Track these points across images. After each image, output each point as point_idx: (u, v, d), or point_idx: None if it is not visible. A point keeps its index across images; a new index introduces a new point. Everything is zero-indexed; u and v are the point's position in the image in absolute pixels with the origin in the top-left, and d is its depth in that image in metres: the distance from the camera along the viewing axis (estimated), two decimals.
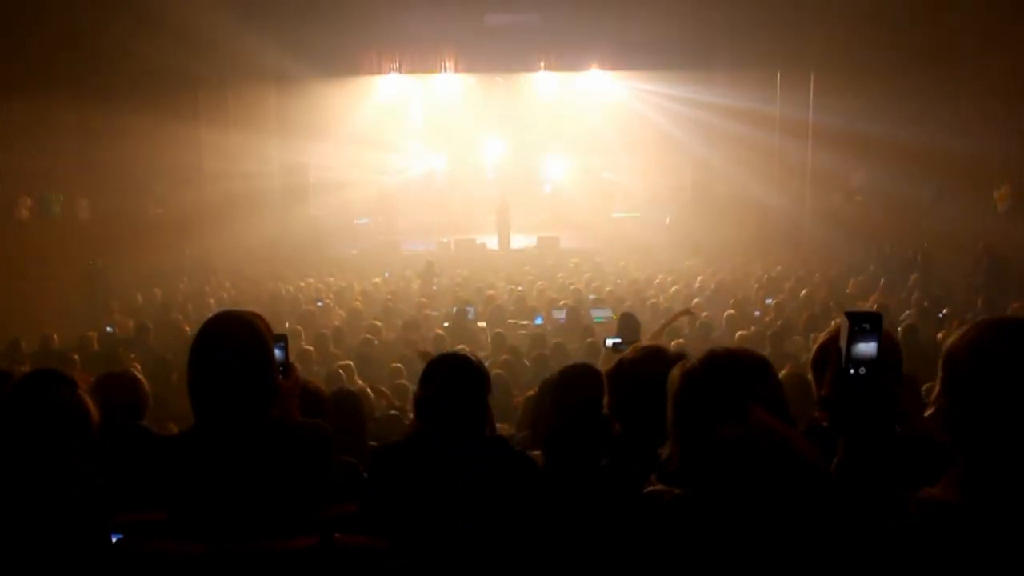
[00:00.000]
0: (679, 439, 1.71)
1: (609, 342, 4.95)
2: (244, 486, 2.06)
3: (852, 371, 1.70)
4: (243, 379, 2.09)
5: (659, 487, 1.71)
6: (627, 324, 6.88)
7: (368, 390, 5.64)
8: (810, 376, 2.23)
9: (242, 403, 2.10)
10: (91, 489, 2.09)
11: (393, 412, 5.30)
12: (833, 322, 2.40)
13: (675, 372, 1.76)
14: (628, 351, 2.42)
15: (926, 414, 1.50)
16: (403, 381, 6.31)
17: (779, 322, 8.61)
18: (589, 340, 8.07)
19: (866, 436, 1.69)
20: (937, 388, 1.45)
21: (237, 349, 2.10)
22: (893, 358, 2.01)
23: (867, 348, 1.70)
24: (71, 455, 2.10)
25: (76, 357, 7.51)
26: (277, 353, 2.25)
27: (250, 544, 1.99)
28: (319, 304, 11.00)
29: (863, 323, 1.71)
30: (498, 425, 5.10)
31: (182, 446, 2.16)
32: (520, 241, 18.15)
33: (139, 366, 6.99)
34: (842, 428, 1.72)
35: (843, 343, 1.72)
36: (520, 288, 12.04)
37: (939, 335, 7.27)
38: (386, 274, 14.45)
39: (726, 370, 1.70)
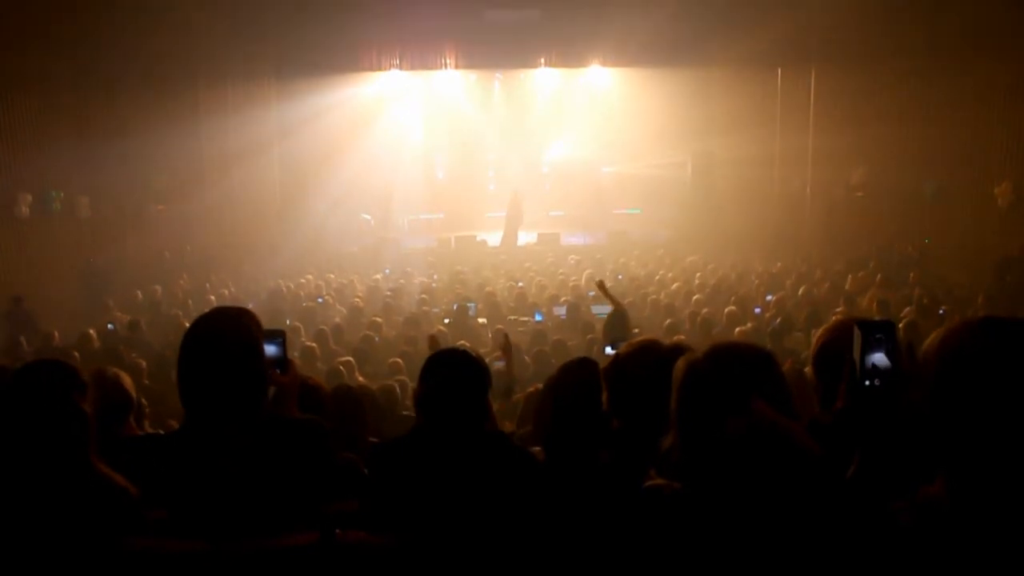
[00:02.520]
0: (681, 430, 1.71)
1: (608, 350, 4.97)
2: (240, 483, 2.06)
3: (867, 382, 1.67)
4: (232, 376, 2.09)
5: (659, 481, 1.71)
6: (616, 322, 6.89)
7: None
8: (808, 369, 2.22)
9: (232, 400, 2.09)
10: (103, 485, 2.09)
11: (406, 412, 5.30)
12: (833, 318, 2.39)
13: (680, 364, 1.75)
14: (624, 346, 2.42)
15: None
16: (403, 377, 6.32)
17: (779, 319, 8.61)
18: (589, 336, 8.08)
19: (883, 447, 1.67)
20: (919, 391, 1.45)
21: (225, 346, 2.10)
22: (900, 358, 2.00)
23: (881, 358, 1.67)
24: (78, 444, 2.09)
25: (77, 354, 7.51)
26: (275, 349, 2.24)
27: (250, 541, 1.99)
28: (319, 301, 11.01)
29: (876, 333, 1.68)
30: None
31: (175, 443, 2.16)
32: (521, 238, 18.16)
33: (142, 363, 7.03)
34: (858, 440, 1.71)
35: (856, 354, 1.68)
36: (520, 284, 12.04)
37: None
38: (386, 271, 14.44)
39: (731, 363, 1.70)
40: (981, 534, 1.30)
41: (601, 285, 7.69)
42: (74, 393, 2.13)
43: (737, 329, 8.13)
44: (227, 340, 2.11)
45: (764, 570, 1.50)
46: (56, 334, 8.63)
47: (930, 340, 1.43)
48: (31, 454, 2.05)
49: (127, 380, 3.19)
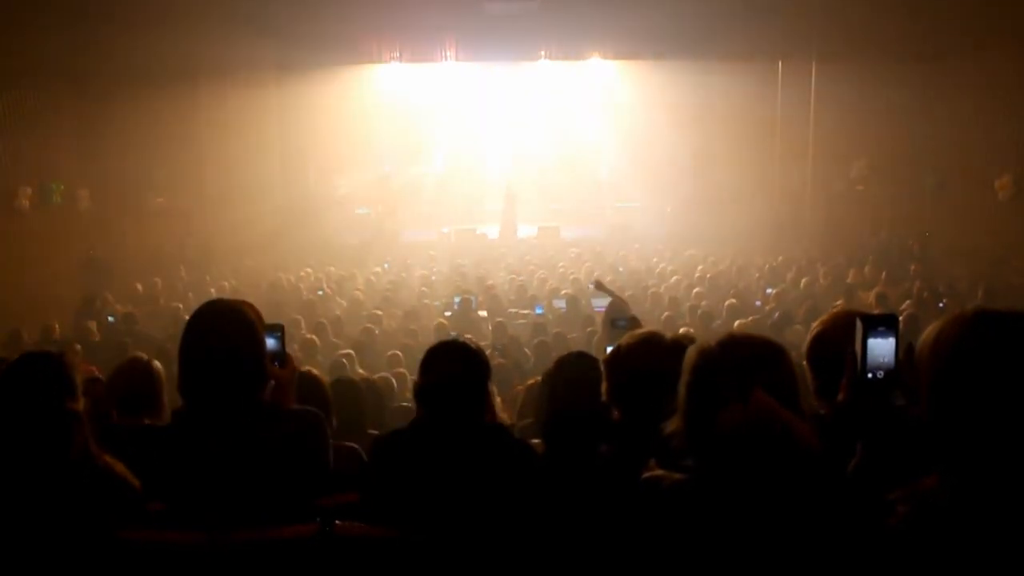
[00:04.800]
0: (687, 416, 1.71)
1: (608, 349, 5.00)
2: (237, 473, 2.06)
3: (870, 375, 1.67)
4: (231, 367, 2.09)
5: (658, 472, 1.71)
6: (616, 305, 6.99)
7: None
8: (805, 363, 2.22)
9: (231, 391, 2.10)
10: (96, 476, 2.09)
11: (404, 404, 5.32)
12: (831, 312, 2.39)
13: (692, 350, 1.77)
14: (625, 337, 2.42)
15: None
16: (402, 370, 6.33)
17: (779, 312, 8.61)
18: (589, 329, 8.09)
19: (885, 439, 1.67)
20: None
21: (225, 338, 2.11)
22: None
23: (884, 352, 1.67)
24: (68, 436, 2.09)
25: (78, 347, 7.52)
26: (273, 343, 2.25)
27: (249, 533, 2.00)
28: (319, 294, 11.01)
29: (878, 326, 1.68)
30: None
31: (174, 434, 2.16)
32: (521, 231, 18.14)
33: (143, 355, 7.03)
34: (860, 433, 1.71)
35: (858, 347, 1.68)
36: (521, 278, 12.05)
37: None
38: (386, 265, 14.43)
39: (742, 353, 1.70)
40: (976, 529, 1.31)
41: (599, 284, 8.00)
42: (63, 385, 2.13)
43: (737, 322, 8.14)
44: (229, 331, 2.12)
45: (761, 561, 1.51)
46: (56, 326, 8.63)
47: (925, 334, 1.44)
48: (22, 447, 2.05)
49: (159, 372, 3.15)
